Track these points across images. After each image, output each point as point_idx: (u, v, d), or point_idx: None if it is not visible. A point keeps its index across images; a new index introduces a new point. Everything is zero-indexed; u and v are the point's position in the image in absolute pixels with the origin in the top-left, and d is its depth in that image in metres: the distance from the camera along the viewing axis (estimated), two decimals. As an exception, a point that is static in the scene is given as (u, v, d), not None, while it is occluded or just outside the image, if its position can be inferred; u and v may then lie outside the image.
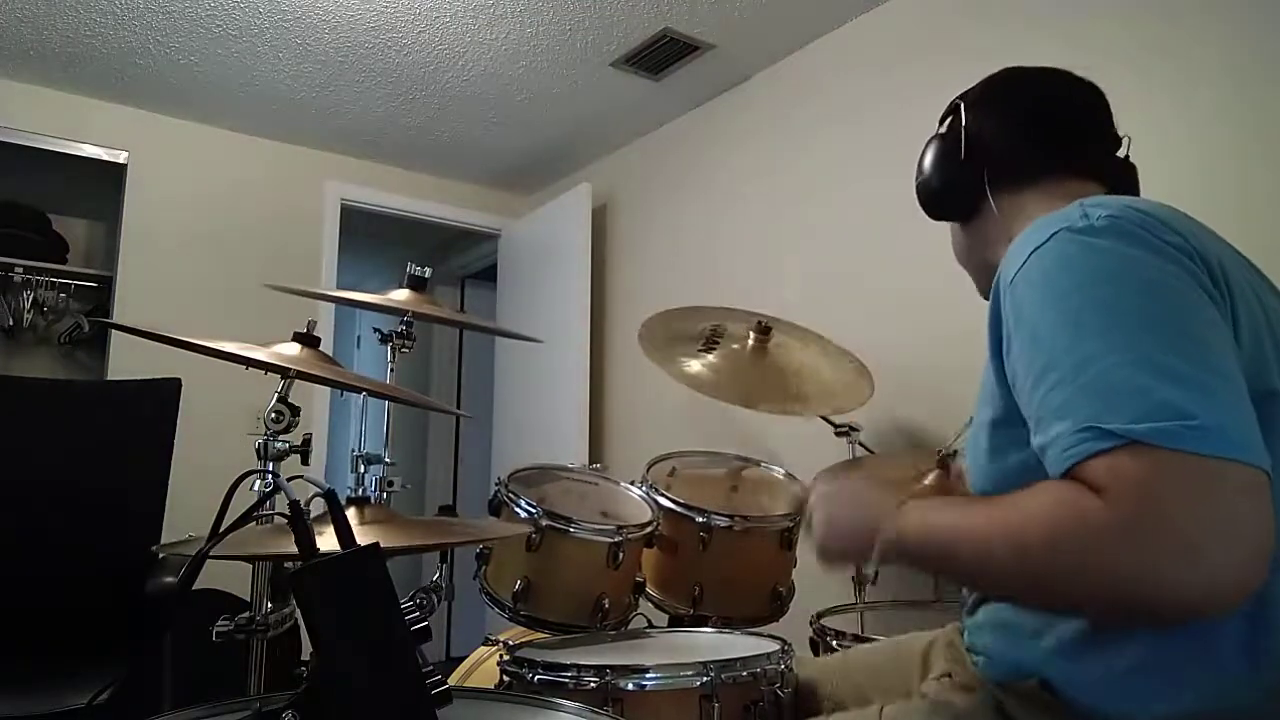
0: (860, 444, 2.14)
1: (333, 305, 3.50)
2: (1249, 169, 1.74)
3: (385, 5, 2.61)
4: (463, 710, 0.90)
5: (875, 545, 0.80)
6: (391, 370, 1.65)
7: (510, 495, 1.57)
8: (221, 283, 3.42)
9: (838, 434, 2.15)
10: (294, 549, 0.68)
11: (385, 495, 1.43)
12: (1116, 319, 0.69)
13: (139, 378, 2.34)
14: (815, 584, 1.83)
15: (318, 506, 0.78)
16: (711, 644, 1.44)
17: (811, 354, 2.09)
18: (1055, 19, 2.11)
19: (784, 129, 2.91)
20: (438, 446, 4.83)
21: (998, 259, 0.83)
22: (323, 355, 1.33)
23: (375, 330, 1.66)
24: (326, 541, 0.70)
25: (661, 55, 2.88)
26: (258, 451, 1.22)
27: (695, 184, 3.27)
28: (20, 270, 3.24)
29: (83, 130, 3.23)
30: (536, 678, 1.15)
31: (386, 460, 1.45)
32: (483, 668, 1.69)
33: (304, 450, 1.26)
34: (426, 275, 1.64)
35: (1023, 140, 1.01)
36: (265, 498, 1.00)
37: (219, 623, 1.18)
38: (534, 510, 1.54)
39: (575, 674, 1.13)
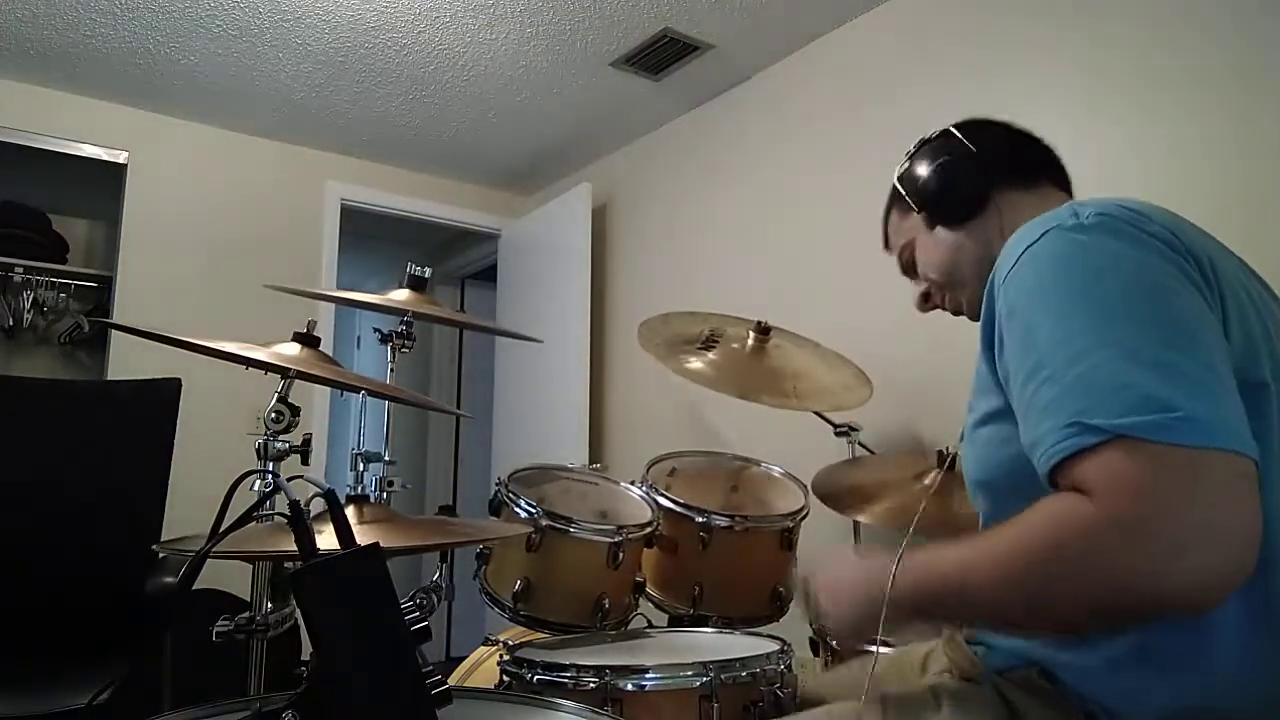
0: (860, 444, 2.14)
1: (333, 305, 3.50)
2: (1253, 166, 1.75)
3: (385, 5, 2.61)
4: (463, 710, 0.90)
5: (883, 606, 0.78)
6: (391, 370, 1.66)
7: (510, 495, 1.57)
8: (221, 283, 3.42)
9: (838, 434, 2.15)
10: (294, 549, 0.68)
11: (385, 495, 1.43)
12: (1105, 314, 0.70)
13: (139, 378, 2.34)
14: (815, 584, 1.83)
15: (318, 506, 0.78)
16: (711, 644, 1.44)
17: (810, 355, 2.09)
18: (1055, 19, 2.11)
19: (784, 129, 2.91)
20: (438, 446, 4.83)
21: (989, 262, 0.84)
22: (323, 355, 1.33)
23: (375, 330, 1.66)
24: (326, 541, 0.70)
25: (661, 55, 2.88)
26: (258, 451, 1.22)
27: (695, 184, 3.27)
28: (20, 270, 3.24)
29: (83, 130, 3.23)
30: (536, 678, 1.15)
31: (386, 460, 1.45)
32: (483, 668, 1.69)
33: (304, 450, 1.26)
34: (426, 275, 1.64)
35: (1019, 146, 1.07)
36: (265, 498, 1.00)
37: (219, 623, 1.18)
38: (534, 510, 1.54)
39: (575, 674, 1.13)
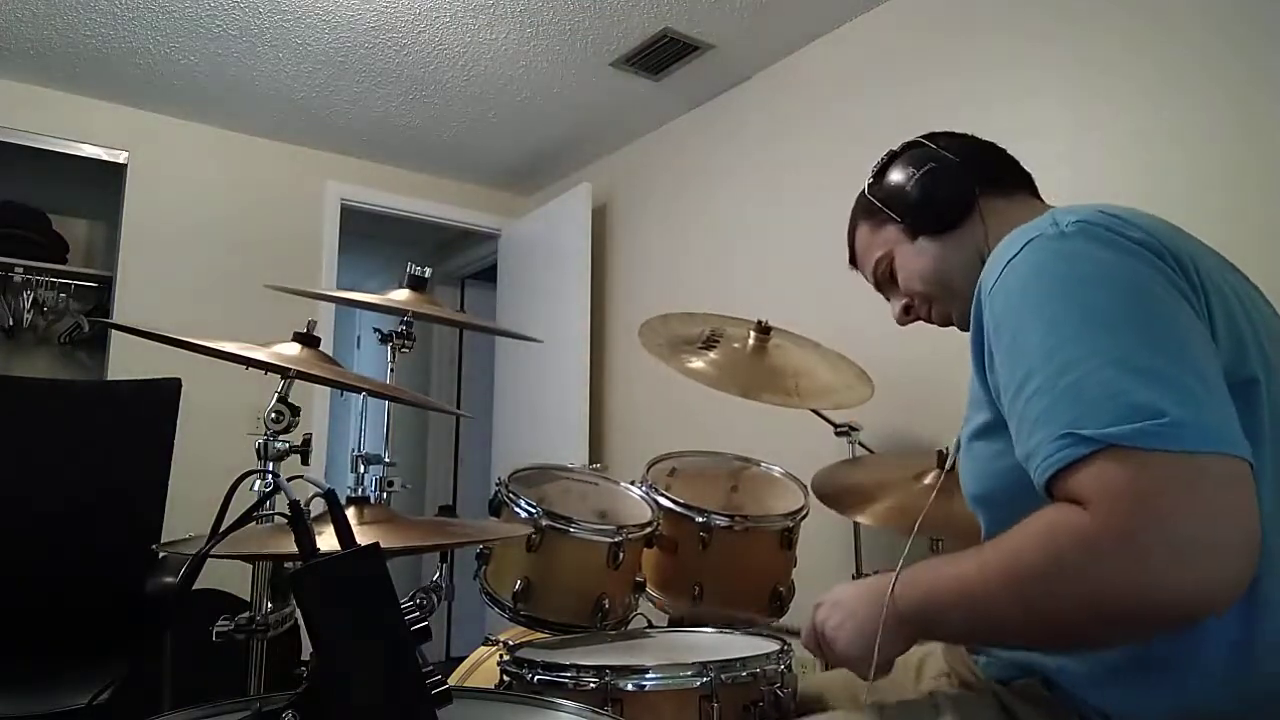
0: (860, 444, 2.14)
1: (333, 305, 3.50)
2: (1241, 172, 1.74)
3: (385, 5, 2.61)
4: (463, 710, 0.90)
5: (890, 633, 0.78)
6: (391, 370, 1.65)
7: (510, 495, 1.57)
8: (221, 283, 3.42)
9: (838, 434, 2.15)
10: (294, 549, 0.68)
11: (385, 495, 1.43)
12: (1091, 323, 0.69)
13: (139, 378, 2.34)
14: (815, 584, 1.83)
15: (318, 506, 0.78)
16: (711, 644, 1.44)
17: (811, 354, 2.09)
18: (1054, 18, 2.11)
19: (784, 129, 2.91)
20: (438, 446, 4.83)
21: (977, 270, 0.84)
22: (323, 355, 1.33)
23: (375, 330, 1.66)
24: (326, 541, 0.70)
25: (661, 55, 2.88)
26: (258, 451, 1.22)
27: (695, 184, 3.27)
28: (20, 270, 3.24)
29: (83, 130, 3.23)
30: (536, 678, 1.15)
31: (386, 460, 1.45)
32: (483, 668, 1.69)
33: (304, 450, 1.26)
34: (426, 275, 1.64)
35: (996, 155, 1.08)
36: (265, 498, 1.00)
37: (219, 623, 1.18)
38: (534, 510, 1.54)
39: (575, 674, 1.13)
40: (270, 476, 1.16)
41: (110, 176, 3.36)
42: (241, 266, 3.46)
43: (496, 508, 1.61)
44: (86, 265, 3.50)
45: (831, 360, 2.09)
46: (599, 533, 1.56)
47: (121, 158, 3.30)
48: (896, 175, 1.06)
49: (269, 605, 1.25)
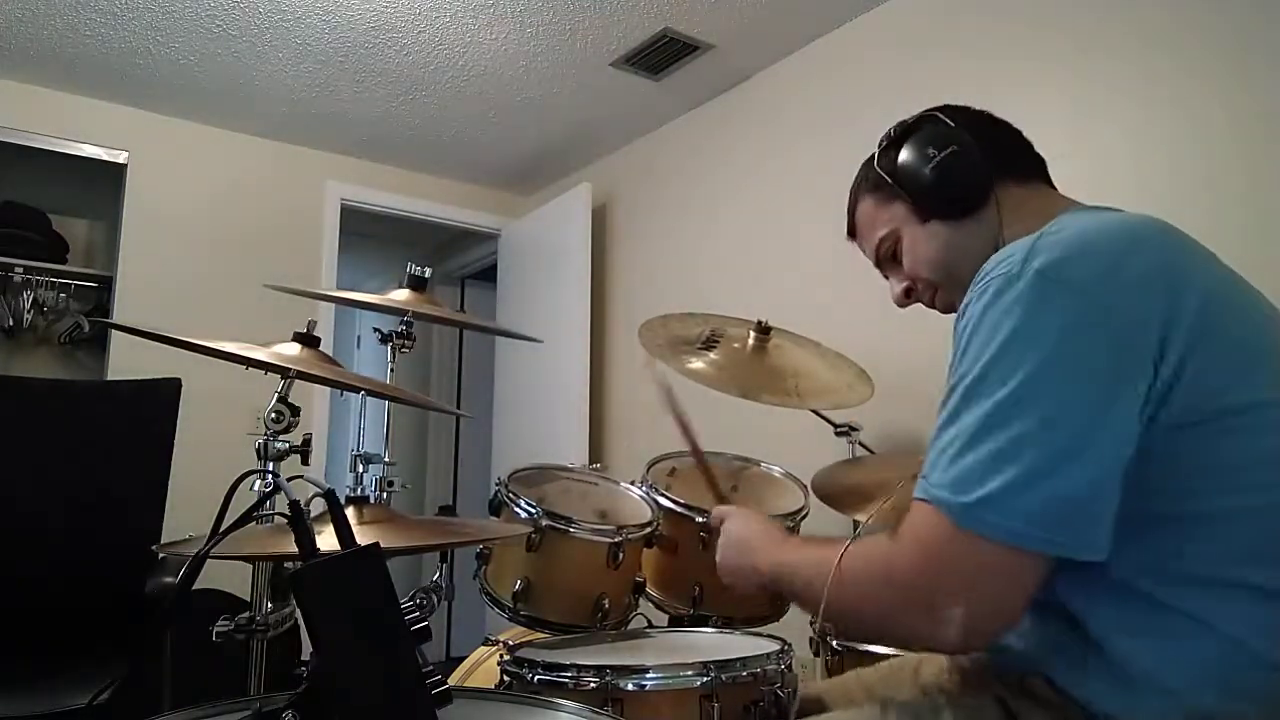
0: (860, 444, 2.14)
1: (333, 305, 3.50)
2: (1251, 165, 1.74)
3: (385, 5, 2.61)
4: (463, 710, 0.90)
5: (754, 581, 1.01)
6: (391, 370, 1.65)
7: (510, 495, 1.57)
8: (221, 283, 3.42)
9: (838, 434, 2.15)
10: (294, 549, 0.68)
11: (385, 495, 1.43)
12: (997, 383, 0.73)
13: (139, 378, 2.34)
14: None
15: (318, 506, 0.78)
16: (711, 644, 1.44)
17: (811, 354, 2.09)
18: (1056, 18, 2.11)
19: (784, 129, 2.91)
20: (438, 446, 4.83)
21: (984, 259, 0.83)
22: (323, 355, 1.33)
23: (375, 330, 1.66)
24: (326, 541, 0.70)
25: (661, 55, 2.88)
26: (258, 451, 1.22)
27: (695, 184, 3.27)
28: (20, 270, 3.24)
29: (83, 130, 3.23)
30: (536, 678, 1.15)
31: (386, 460, 1.45)
32: (483, 668, 1.69)
33: (304, 450, 1.26)
34: (426, 275, 1.64)
35: (1015, 138, 1.03)
36: (265, 498, 1.00)
37: (219, 623, 1.18)
38: (534, 510, 1.53)
39: (575, 674, 1.13)
40: (270, 476, 1.16)
41: (110, 176, 3.36)
42: (241, 266, 3.46)
43: (496, 508, 1.60)
44: (86, 265, 3.49)
45: (831, 360, 2.09)
46: (599, 533, 1.56)
47: (121, 158, 3.30)
48: (912, 152, 1.00)
49: (269, 605, 1.24)
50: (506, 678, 1.21)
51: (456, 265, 4.80)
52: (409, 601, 1.31)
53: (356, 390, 1.36)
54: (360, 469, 1.40)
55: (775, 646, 1.25)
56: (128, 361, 3.12)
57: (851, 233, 1.14)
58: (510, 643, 1.40)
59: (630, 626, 1.67)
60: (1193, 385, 0.72)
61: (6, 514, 2.05)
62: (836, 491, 1.83)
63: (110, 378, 3.14)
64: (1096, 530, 0.70)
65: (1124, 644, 0.75)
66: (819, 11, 2.65)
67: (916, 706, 0.92)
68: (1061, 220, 0.84)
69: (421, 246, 4.96)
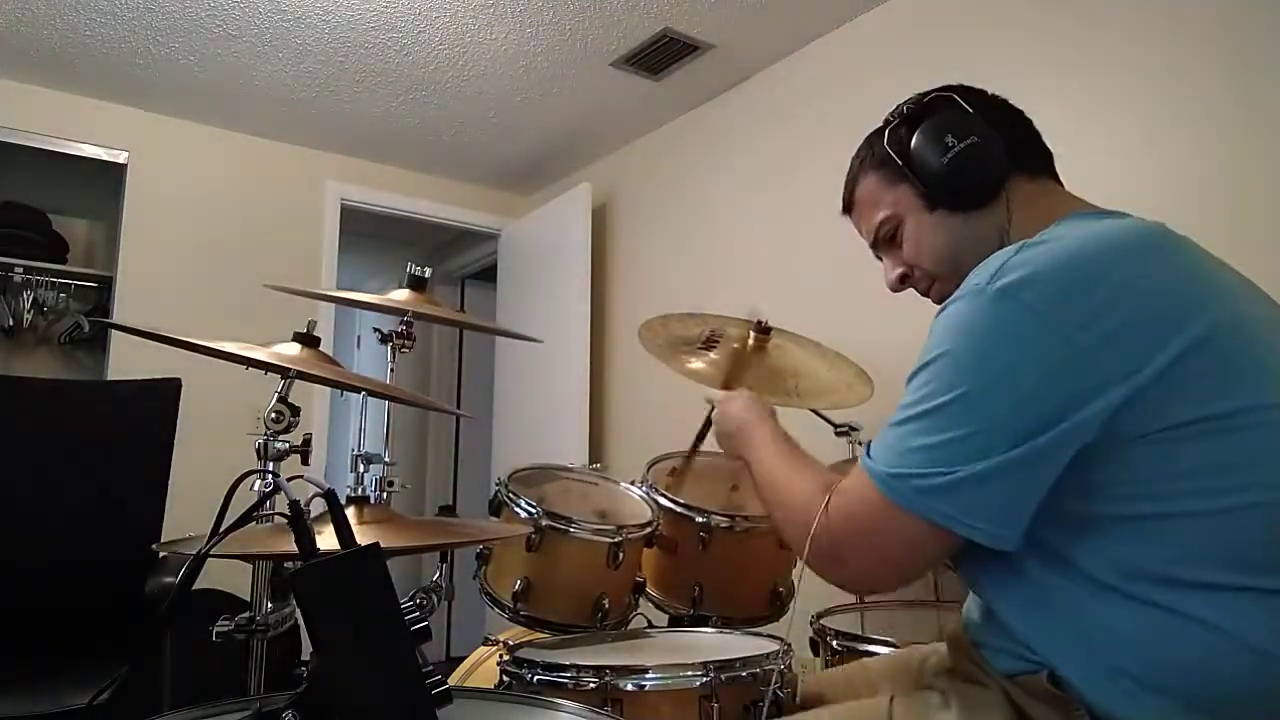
0: (860, 444, 2.14)
1: (333, 305, 3.50)
2: (1243, 166, 1.74)
3: (385, 5, 2.61)
4: (463, 710, 0.90)
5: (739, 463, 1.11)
6: (391, 370, 1.65)
7: (510, 495, 1.57)
8: (221, 283, 3.42)
9: (838, 434, 2.15)
10: (294, 549, 0.68)
11: (385, 495, 1.43)
12: (943, 387, 0.78)
13: (139, 378, 2.34)
14: (815, 584, 1.83)
15: (318, 506, 0.78)
16: (711, 644, 1.44)
17: (811, 354, 2.09)
18: (1055, 18, 2.11)
19: (784, 129, 2.91)
20: (438, 446, 4.83)
21: (990, 254, 0.83)
22: (323, 355, 1.33)
23: (375, 330, 1.66)
24: (326, 541, 0.70)
25: (661, 55, 2.88)
26: (258, 451, 1.22)
27: (695, 184, 3.27)
28: (20, 270, 3.24)
29: (83, 130, 3.23)
30: (536, 678, 1.15)
31: (386, 460, 1.45)
32: (483, 668, 1.69)
33: (304, 450, 1.26)
34: (426, 275, 1.63)
35: (1030, 131, 1.01)
36: (265, 498, 1.00)
37: (219, 623, 1.18)
38: (534, 510, 1.54)
39: (575, 674, 1.13)
40: (270, 476, 1.16)
41: (110, 176, 3.36)
42: (241, 266, 3.46)
43: (496, 508, 1.61)
44: (86, 265, 3.49)
45: (831, 359, 2.09)
46: (599, 533, 1.56)
47: (121, 158, 3.30)
48: (929, 137, 0.95)
49: (269, 605, 1.24)
50: (506, 678, 1.21)
51: (456, 265, 4.80)
52: (409, 601, 1.31)
53: (356, 390, 1.36)
54: (360, 469, 1.40)
55: (775, 646, 1.25)
56: (128, 361, 3.12)
57: (848, 208, 1.09)
58: (510, 643, 1.40)
59: (630, 626, 1.67)
60: (1163, 399, 0.73)
61: (6, 514, 2.05)
62: (836, 491, 1.82)
63: (110, 378, 3.14)
64: (998, 528, 0.77)
65: (1119, 643, 0.75)
66: (819, 11, 2.65)
67: (923, 702, 0.92)
68: (1058, 228, 0.84)
69: (421, 246, 4.96)
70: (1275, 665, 0.72)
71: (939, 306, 0.84)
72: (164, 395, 2.24)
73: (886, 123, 1.03)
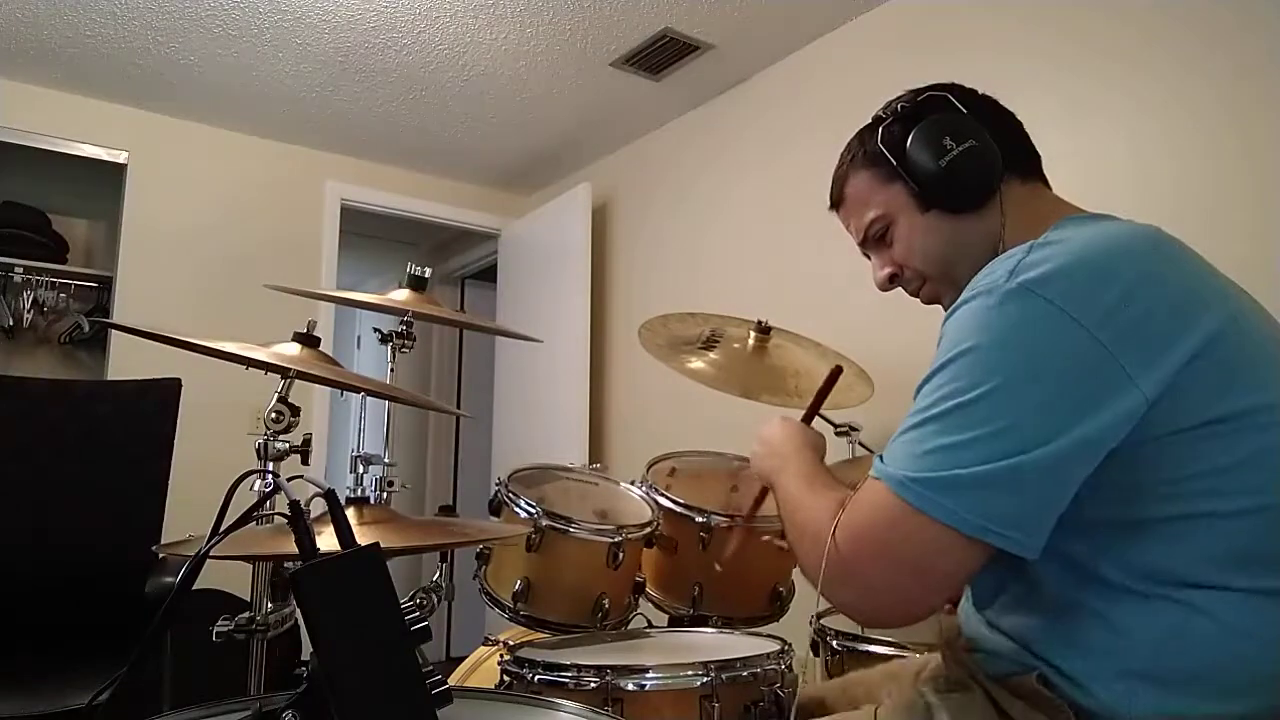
0: (860, 444, 2.14)
1: (333, 305, 3.50)
2: (1233, 177, 1.74)
3: (385, 5, 2.61)
4: (463, 710, 0.90)
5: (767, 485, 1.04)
6: (391, 370, 1.65)
7: (510, 495, 1.57)
8: (221, 283, 3.42)
9: (838, 434, 2.15)
10: (294, 549, 0.68)
11: (385, 495, 1.43)
12: (965, 386, 0.75)
13: (139, 378, 2.34)
14: (815, 584, 1.83)
15: (318, 506, 0.78)
16: (711, 644, 1.44)
17: (811, 354, 2.09)
18: (1056, 18, 2.11)
19: (784, 129, 2.91)
20: (438, 446, 4.83)
21: (985, 261, 0.82)
22: (323, 355, 1.33)
23: (375, 330, 1.66)
24: (326, 541, 0.70)
25: (661, 55, 2.88)
26: (258, 451, 1.22)
27: (695, 184, 3.27)
28: (20, 270, 3.24)
29: (83, 130, 3.23)
30: (536, 678, 1.15)
31: (386, 460, 1.45)
32: (483, 668, 1.69)
33: (304, 450, 1.26)
34: (426, 275, 1.64)
35: (1022, 134, 1.01)
36: (265, 498, 1.00)
37: (219, 623, 1.18)
38: (534, 510, 1.54)
39: (575, 674, 1.13)
40: (270, 476, 1.16)
41: (110, 176, 3.36)
42: (241, 266, 3.46)
43: (496, 508, 1.61)
44: (86, 265, 3.49)
45: (831, 359, 2.09)
46: (599, 533, 1.56)
47: (121, 158, 3.30)
48: (925, 139, 0.94)
49: (269, 605, 1.24)
50: (506, 678, 1.21)
51: (456, 265, 4.80)
52: (409, 601, 1.31)
53: (356, 390, 1.36)
54: (360, 469, 1.40)
55: (775, 646, 1.25)
56: (128, 361, 3.12)
57: (835, 204, 1.08)
58: (510, 643, 1.40)
59: (630, 626, 1.67)
60: (1179, 399, 0.72)
61: (6, 514, 2.05)
62: (836, 491, 1.82)
63: (110, 378, 3.14)
64: (1028, 537, 0.73)
65: (1116, 642, 0.75)
66: (819, 11, 2.65)
67: (910, 710, 0.92)
68: (1059, 230, 0.84)
69: (421, 246, 4.96)
70: None
71: (948, 310, 0.82)
72: (164, 395, 2.24)
73: (878, 119, 1.03)
